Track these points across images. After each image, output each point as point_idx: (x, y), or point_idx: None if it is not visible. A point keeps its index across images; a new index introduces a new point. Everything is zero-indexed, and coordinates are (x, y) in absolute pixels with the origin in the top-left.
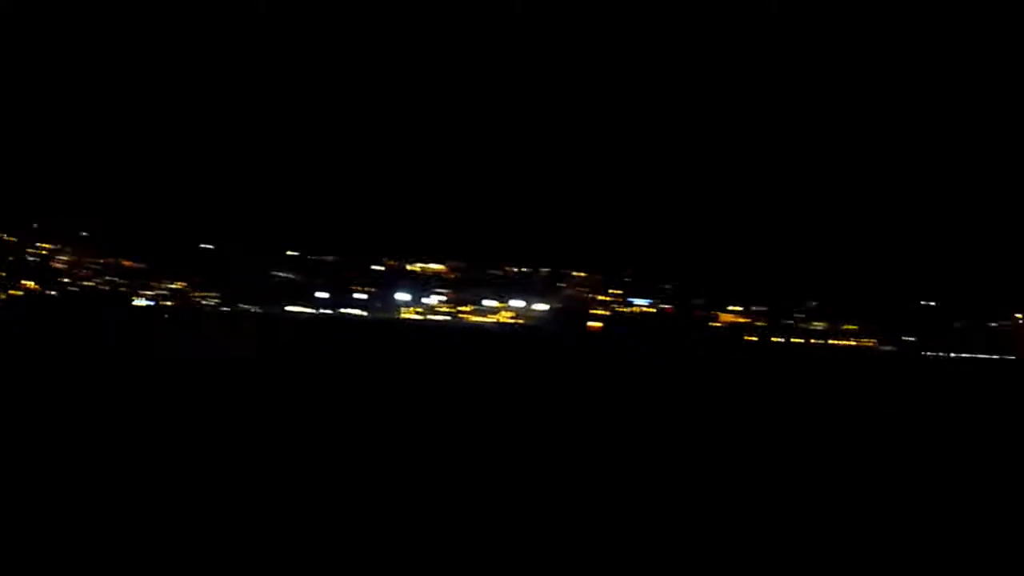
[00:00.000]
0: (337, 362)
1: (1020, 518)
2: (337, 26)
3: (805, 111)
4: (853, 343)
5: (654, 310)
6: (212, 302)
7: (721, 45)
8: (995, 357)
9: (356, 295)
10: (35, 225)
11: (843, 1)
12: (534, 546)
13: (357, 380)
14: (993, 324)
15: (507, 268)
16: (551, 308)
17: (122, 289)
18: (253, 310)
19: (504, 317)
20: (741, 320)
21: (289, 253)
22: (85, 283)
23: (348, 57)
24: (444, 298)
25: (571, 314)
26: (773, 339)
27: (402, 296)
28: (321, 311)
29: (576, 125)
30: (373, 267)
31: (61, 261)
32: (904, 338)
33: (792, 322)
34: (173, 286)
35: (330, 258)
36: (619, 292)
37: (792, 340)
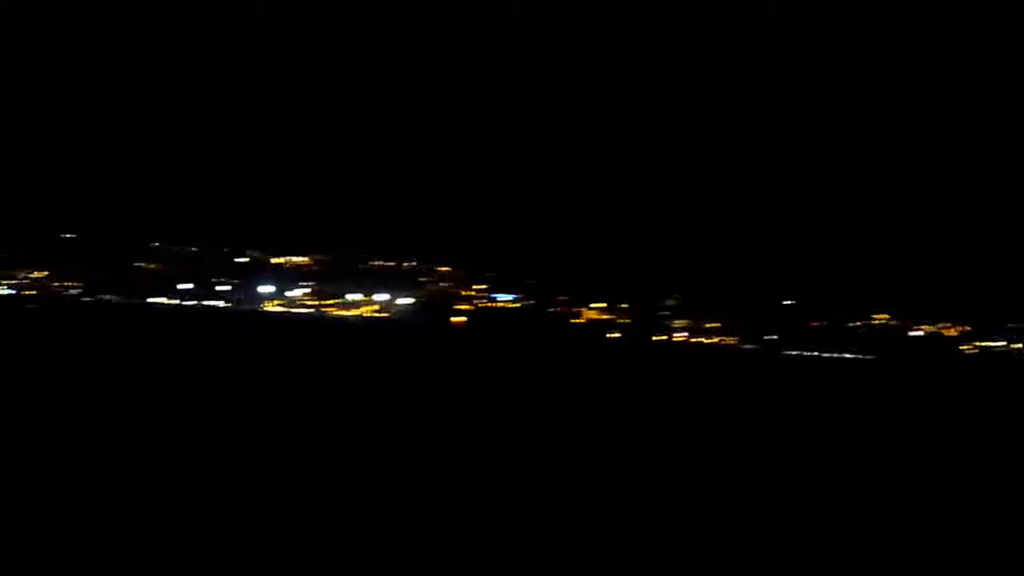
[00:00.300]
0: (196, 354)
1: (875, 513)
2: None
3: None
4: (716, 341)
5: (518, 305)
6: (74, 292)
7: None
8: (854, 357)
9: (219, 287)
10: None
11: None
12: (386, 546)
13: (212, 372)
14: (851, 324)
15: (372, 262)
16: (415, 302)
17: None
18: (114, 300)
19: (368, 311)
20: (604, 317)
21: (152, 244)
22: None
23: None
24: (308, 291)
25: (434, 308)
26: (636, 336)
27: (266, 288)
28: (183, 302)
29: (440, 119)
30: (236, 259)
31: None
32: (765, 337)
33: (655, 320)
34: (34, 275)
35: (193, 249)
36: (483, 287)
37: (655, 338)
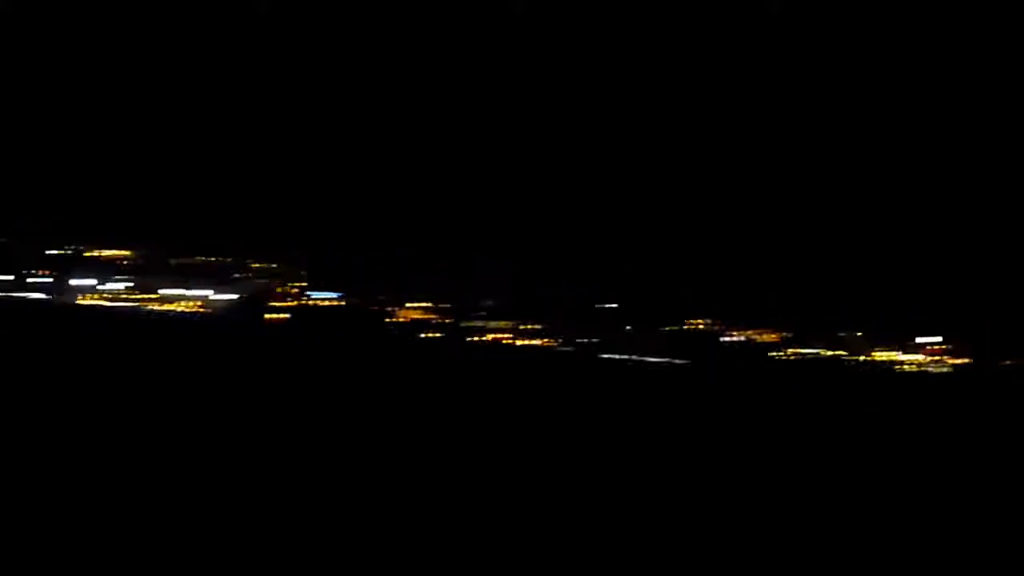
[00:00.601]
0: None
1: (682, 513)
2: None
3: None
4: (537, 342)
5: (336, 303)
6: None
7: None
8: (669, 361)
9: (33, 279)
10: None
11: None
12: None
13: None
14: (666, 329)
15: (192, 257)
16: (235, 298)
17: None
18: None
19: (187, 306)
20: (423, 316)
21: None
22: None
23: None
24: (126, 285)
25: (254, 304)
26: (456, 336)
27: (83, 282)
28: None
29: (263, 116)
30: (49, 251)
31: None
32: (581, 340)
33: (474, 320)
34: None
35: (2, 240)
36: (302, 284)
37: (477, 339)
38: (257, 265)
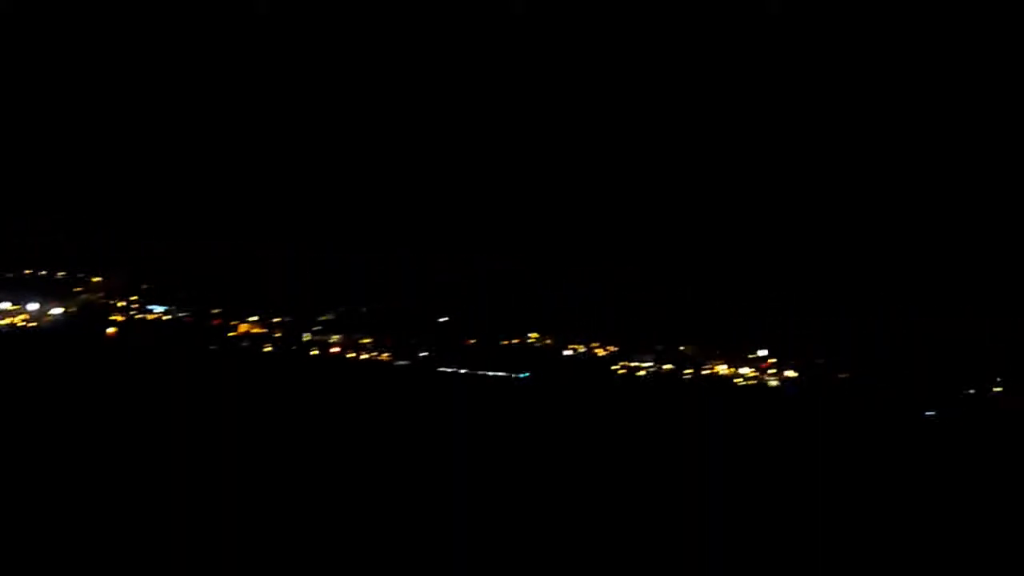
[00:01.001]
0: None
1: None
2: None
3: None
4: (369, 356)
5: (171, 317)
6: None
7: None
8: (506, 375)
9: None
10: None
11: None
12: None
13: None
14: (506, 343)
15: (23, 270)
16: (66, 312)
17: None
18: None
19: (18, 320)
20: (258, 331)
21: None
22: None
23: None
24: None
25: (87, 319)
26: (292, 349)
27: None
28: None
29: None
30: None
31: None
32: (419, 354)
33: (310, 334)
34: None
35: None
36: (136, 298)
37: (311, 352)
38: (91, 279)
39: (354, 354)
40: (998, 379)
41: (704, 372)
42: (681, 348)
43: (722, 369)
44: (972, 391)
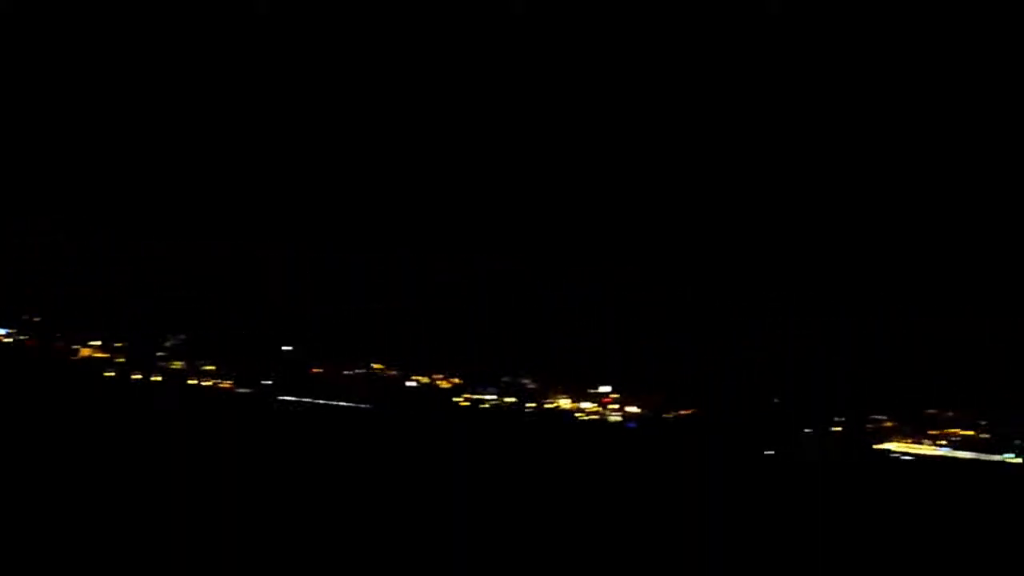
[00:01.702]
0: None
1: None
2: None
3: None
4: (210, 383)
5: (11, 340)
6: None
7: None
8: (350, 404)
9: None
10: None
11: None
12: None
13: None
14: (348, 372)
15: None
16: None
17: None
18: None
19: None
20: (100, 355)
21: None
22: None
23: None
24: None
25: None
26: (133, 376)
27: None
28: None
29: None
30: None
31: None
32: (262, 382)
33: (151, 359)
34: None
35: None
36: None
37: (152, 378)
38: None
39: (196, 381)
40: (836, 418)
41: (546, 405)
42: (524, 381)
43: (564, 403)
44: (810, 430)
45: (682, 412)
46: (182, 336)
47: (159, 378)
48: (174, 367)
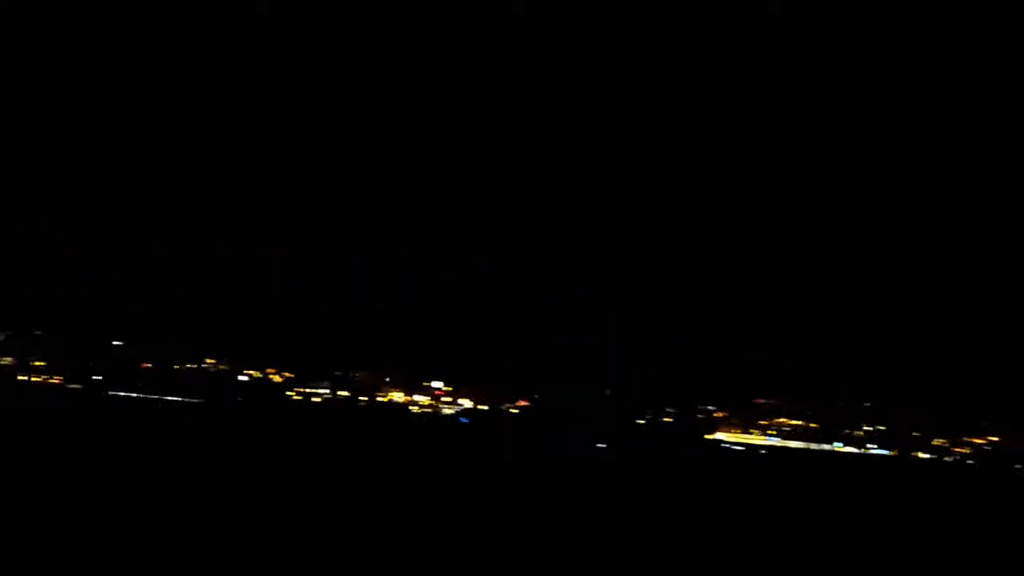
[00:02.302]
0: None
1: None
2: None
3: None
4: (40, 379)
5: None
6: None
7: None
8: (183, 400)
9: None
10: None
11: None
12: None
13: None
14: (179, 367)
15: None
16: None
17: None
18: None
19: None
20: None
21: None
22: None
23: None
24: None
25: None
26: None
27: None
28: None
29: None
30: None
31: None
32: (92, 377)
33: None
34: None
35: None
36: None
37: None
38: None
39: (25, 376)
40: (668, 409)
41: (380, 399)
42: (356, 375)
43: (398, 396)
44: (643, 421)
45: (512, 406)
46: (9, 332)
47: None
48: (2, 363)
